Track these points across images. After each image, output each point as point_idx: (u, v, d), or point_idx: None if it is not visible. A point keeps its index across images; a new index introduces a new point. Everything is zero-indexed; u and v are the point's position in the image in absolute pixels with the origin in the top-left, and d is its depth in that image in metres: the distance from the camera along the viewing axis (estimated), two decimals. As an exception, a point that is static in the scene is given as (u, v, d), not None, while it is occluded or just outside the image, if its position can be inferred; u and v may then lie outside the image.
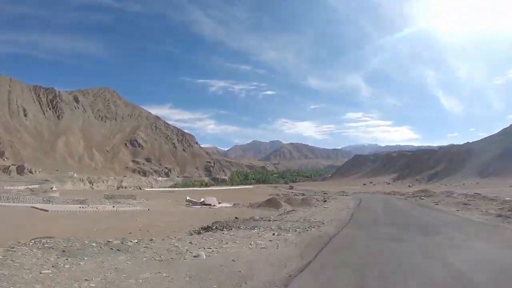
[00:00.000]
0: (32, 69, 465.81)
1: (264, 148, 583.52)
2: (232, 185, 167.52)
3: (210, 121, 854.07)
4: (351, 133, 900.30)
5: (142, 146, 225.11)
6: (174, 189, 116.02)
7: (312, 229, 11.53)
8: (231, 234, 10.79)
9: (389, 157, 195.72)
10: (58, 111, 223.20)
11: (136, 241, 8.68)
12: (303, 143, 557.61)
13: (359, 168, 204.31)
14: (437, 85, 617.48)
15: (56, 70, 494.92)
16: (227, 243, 8.76)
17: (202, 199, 34.59)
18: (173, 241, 9.32)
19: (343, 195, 47.51)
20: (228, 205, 32.73)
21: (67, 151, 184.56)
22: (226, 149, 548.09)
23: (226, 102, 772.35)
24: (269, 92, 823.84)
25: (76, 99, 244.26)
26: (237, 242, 8.91)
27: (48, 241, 7.29)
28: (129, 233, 14.62)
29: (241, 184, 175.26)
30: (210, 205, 31.53)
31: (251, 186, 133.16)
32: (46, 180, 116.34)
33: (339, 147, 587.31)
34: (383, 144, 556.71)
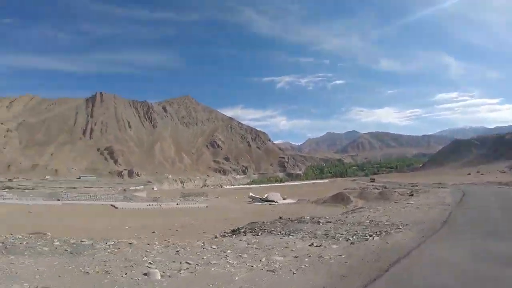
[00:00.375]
0: (127, 85, 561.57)
1: (339, 140, 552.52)
2: (307, 179, 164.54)
3: (281, 117, 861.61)
4: (446, 116, 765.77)
5: (220, 147, 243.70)
6: (250, 186, 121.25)
7: (376, 237, 8.31)
8: (253, 241, 8.98)
9: (502, 140, 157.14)
10: (153, 121, 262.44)
11: (112, 242, 8.21)
12: (384, 131, 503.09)
13: (459, 155, 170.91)
14: None
15: (144, 84, 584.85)
16: (226, 256, 6.93)
17: (266, 195, 34.20)
18: (158, 246, 8.28)
19: (438, 187, 36.54)
20: (291, 201, 31.51)
21: (162, 156, 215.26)
22: (299, 144, 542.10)
23: (294, 97, 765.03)
24: (338, 82, 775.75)
25: (164, 109, 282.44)
26: (244, 256, 6.94)
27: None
28: (152, 232, 15.90)
29: (316, 178, 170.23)
30: (272, 201, 30.91)
31: (326, 180, 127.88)
32: (149, 182, 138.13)
33: (431, 133, 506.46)
34: (491, 126, 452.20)
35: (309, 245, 8.02)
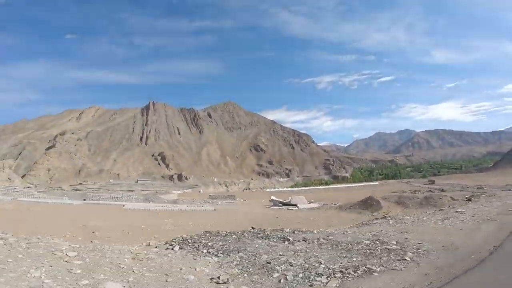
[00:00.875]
0: (175, 93, 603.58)
1: (390, 140, 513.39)
2: (354, 182, 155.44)
3: (325, 118, 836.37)
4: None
5: (264, 150, 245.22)
6: (292, 189, 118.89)
7: (333, 281, 5.53)
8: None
9: None
10: (199, 127, 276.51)
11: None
12: (444, 128, 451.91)
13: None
14: None
15: (191, 91, 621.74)
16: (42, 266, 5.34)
17: (290, 199, 32.24)
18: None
19: (510, 190, 29.37)
20: (315, 206, 28.86)
21: (209, 160, 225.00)
22: (345, 145, 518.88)
23: (338, 97, 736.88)
24: (385, 78, 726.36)
25: (209, 115, 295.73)
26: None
27: None
28: (127, 232, 15.25)
29: (365, 181, 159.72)
30: (294, 205, 28.98)
31: (376, 183, 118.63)
32: (196, 185, 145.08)
33: (502, 129, 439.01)
34: None
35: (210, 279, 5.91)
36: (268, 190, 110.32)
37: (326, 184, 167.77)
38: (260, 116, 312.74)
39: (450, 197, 21.69)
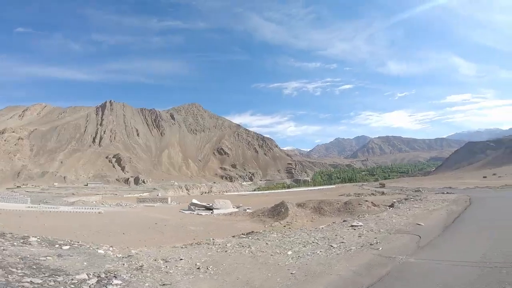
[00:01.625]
0: (136, 93, 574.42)
1: (348, 145, 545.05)
2: (314, 185, 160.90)
3: (289, 123, 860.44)
4: (459, 119, 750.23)
5: (227, 154, 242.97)
6: (248, 192, 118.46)
7: None
8: None
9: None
10: (161, 129, 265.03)
11: None
12: (394, 135, 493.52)
13: (474, 158, 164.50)
14: None
15: (153, 92, 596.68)
16: None
17: (211, 204, 28.43)
18: None
19: (442, 193, 28.41)
20: (233, 211, 25.25)
21: (170, 163, 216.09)
22: (308, 150, 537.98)
23: (302, 103, 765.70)
24: (346, 86, 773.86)
25: (172, 117, 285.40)
26: None
27: None
28: None
29: (325, 184, 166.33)
30: (211, 209, 26.10)
31: (333, 186, 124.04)
32: (154, 189, 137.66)
33: (445, 136, 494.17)
34: (506, 127, 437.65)
35: None
36: (228, 193, 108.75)
37: (288, 187, 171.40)
38: (225, 119, 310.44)
39: (372, 202, 19.45)
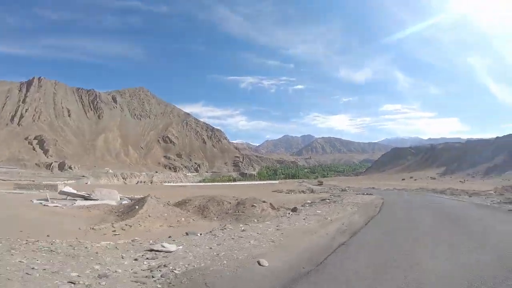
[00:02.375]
0: (76, 73, 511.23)
1: (295, 143, 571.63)
2: (260, 180, 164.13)
3: (241, 117, 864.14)
4: (389, 126, 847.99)
5: (173, 143, 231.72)
6: (190, 184, 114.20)
7: None
8: None
9: (433, 150, 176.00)
10: (99, 111, 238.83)
11: None
12: (336, 137, 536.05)
13: (397, 162, 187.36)
14: (486, 72, 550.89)
15: (96, 73, 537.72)
16: None
17: (93, 192, 21.73)
18: None
19: (362, 194, 28.29)
20: (111, 204, 19.33)
21: (106, 149, 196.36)
22: (257, 145, 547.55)
23: (256, 98, 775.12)
24: (299, 86, 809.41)
25: (114, 99, 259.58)
26: None
27: None
28: None
29: (270, 179, 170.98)
30: (85, 199, 20.42)
31: (276, 182, 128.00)
32: (83, 176, 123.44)
33: (376, 141, 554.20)
34: (425, 137, 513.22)
35: None
36: (167, 184, 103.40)
37: (234, 180, 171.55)
38: (174, 107, 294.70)
39: (271, 204, 15.87)
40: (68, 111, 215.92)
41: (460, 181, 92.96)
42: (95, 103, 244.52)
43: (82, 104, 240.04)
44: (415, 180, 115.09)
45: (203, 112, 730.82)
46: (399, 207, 15.92)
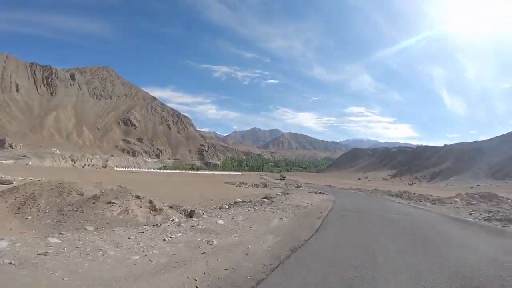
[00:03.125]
0: (31, 47, 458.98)
1: (263, 136, 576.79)
2: (223, 170, 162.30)
3: (211, 106, 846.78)
4: (352, 127, 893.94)
5: (135, 126, 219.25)
6: (146, 170, 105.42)
7: None
8: None
9: (388, 152, 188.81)
10: (52, 88, 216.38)
11: None
12: (302, 133, 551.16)
13: (355, 162, 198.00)
14: (443, 84, 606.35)
15: (56, 48, 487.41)
16: None
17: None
18: None
19: (316, 193, 23.75)
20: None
21: (56, 128, 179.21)
22: (225, 135, 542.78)
23: (228, 88, 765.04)
24: (272, 81, 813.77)
25: (72, 77, 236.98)
26: None
27: None
28: None
29: (234, 170, 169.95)
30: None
31: (239, 173, 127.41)
32: (24, 156, 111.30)
33: (338, 141, 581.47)
34: (382, 141, 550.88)
35: None
36: (119, 169, 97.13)
37: (197, 169, 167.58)
38: (140, 90, 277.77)
39: (150, 202, 10.28)
40: (17, 85, 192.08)
41: (408, 183, 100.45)
42: (50, 79, 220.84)
43: (34, 80, 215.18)
44: (369, 180, 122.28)
45: (172, 97, 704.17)
46: (351, 219, 10.66)
